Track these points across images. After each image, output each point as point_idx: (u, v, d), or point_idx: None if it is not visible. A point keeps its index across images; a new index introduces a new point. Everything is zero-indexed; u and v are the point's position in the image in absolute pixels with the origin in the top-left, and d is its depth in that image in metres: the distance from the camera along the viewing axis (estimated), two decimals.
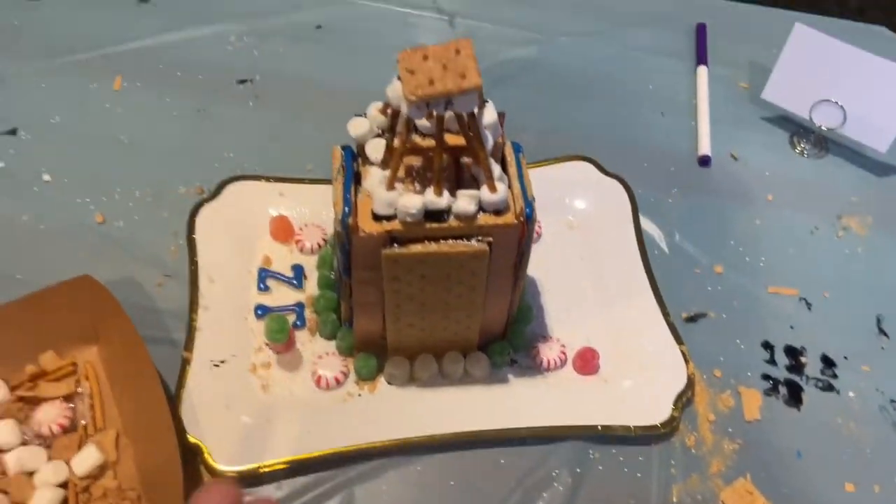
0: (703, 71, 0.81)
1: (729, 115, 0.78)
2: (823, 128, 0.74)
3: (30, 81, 0.74)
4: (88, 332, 0.57)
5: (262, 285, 0.63)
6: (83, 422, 0.54)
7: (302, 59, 0.80)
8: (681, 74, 0.82)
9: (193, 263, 0.62)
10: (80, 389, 0.55)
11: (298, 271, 0.64)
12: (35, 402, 0.54)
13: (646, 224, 0.69)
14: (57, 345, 0.56)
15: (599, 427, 0.57)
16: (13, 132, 0.70)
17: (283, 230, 0.65)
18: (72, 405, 0.55)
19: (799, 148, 0.76)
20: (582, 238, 0.68)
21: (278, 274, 0.64)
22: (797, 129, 0.77)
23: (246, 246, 0.65)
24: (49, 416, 0.53)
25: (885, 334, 0.64)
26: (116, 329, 0.54)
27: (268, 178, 0.68)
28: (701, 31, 0.84)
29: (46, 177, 0.68)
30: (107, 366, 0.56)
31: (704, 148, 0.74)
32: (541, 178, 0.68)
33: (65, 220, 0.65)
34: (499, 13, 0.85)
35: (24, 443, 0.53)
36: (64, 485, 0.51)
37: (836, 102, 0.73)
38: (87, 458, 0.52)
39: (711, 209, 0.71)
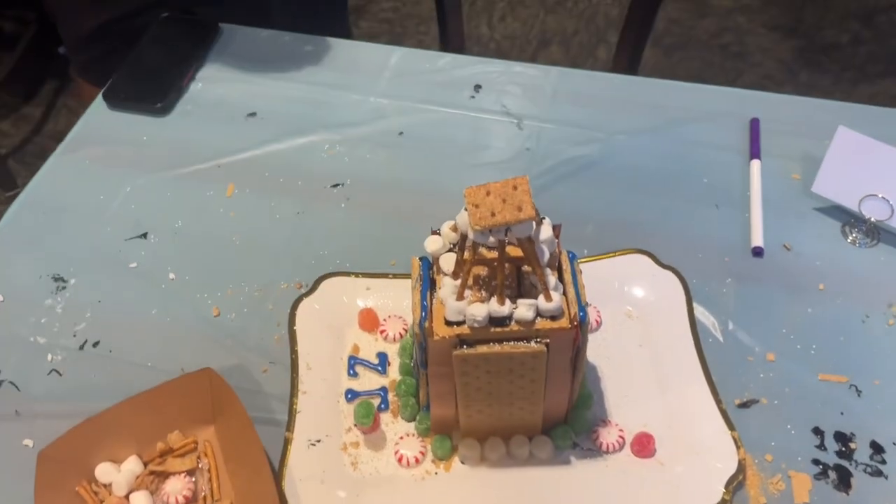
0: (756, 164, 0.86)
1: (782, 206, 0.83)
2: (873, 219, 0.78)
3: (157, 190, 0.87)
4: (207, 415, 0.67)
5: (351, 371, 0.72)
6: (203, 493, 0.64)
7: (387, 163, 0.90)
8: (734, 168, 0.87)
9: (294, 352, 0.71)
10: (200, 465, 0.65)
11: (383, 358, 0.73)
12: (164, 475, 0.64)
13: (700, 313, 0.75)
14: (181, 425, 0.66)
15: None
16: (144, 236, 0.83)
17: (369, 321, 0.74)
18: (193, 479, 0.64)
19: (850, 237, 0.80)
20: (639, 327, 0.74)
21: (365, 361, 0.72)
22: (848, 219, 0.81)
23: (338, 335, 0.74)
24: (175, 488, 0.63)
25: None
26: (231, 412, 0.64)
27: (356, 274, 0.77)
28: (754, 126, 0.90)
29: (171, 275, 0.79)
30: (222, 444, 0.66)
31: (757, 239, 0.80)
32: (600, 271, 0.76)
33: (186, 313, 0.76)
34: (562, 114, 0.94)
35: None
36: None
37: (883, 197, 0.77)
38: None
39: (764, 298, 0.76)
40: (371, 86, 0.98)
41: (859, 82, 2.47)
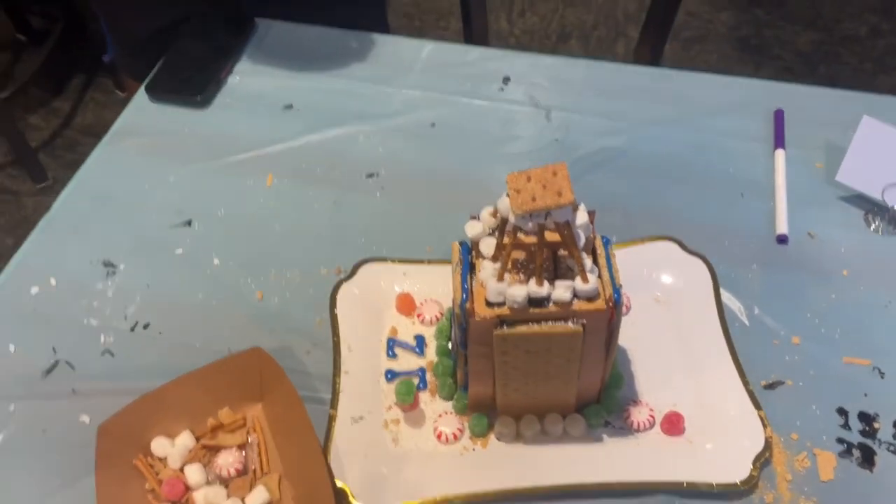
0: (780, 154, 0.88)
1: (806, 195, 0.85)
2: (895, 207, 0.80)
3: (200, 180, 0.90)
4: (256, 393, 0.70)
5: (390, 352, 0.75)
6: (253, 467, 0.67)
7: (419, 153, 0.93)
8: (759, 158, 0.89)
9: (336, 335, 0.75)
10: (249, 440, 0.68)
11: (420, 340, 0.76)
12: (215, 449, 0.68)
13: (727, 299, 0.77)
14: (231, 402, 0.69)
15: (685, 483, 0.65)
16: (189, 223, 0.86)
17: (406, 305, 0.77)
18: (244, 453, 0.68)
19: (873, 225, 0.82)
20: (667, 312, 0.77)
21: (404, 343, 0.75)
22: (871, 207, 0.83)
23: (376, 318, 0.77)
24: (227, 461, 0.66)
25: None
26: (279, 390, 0.67)
27: (393, 260, 0.80)
28: (778, 116, 0.92)
29: (216, 261, 0.83)
30: (270, 420, 0.69)
31: (782, 227, 0.82)
32: (629, 257, 0.78)
33: (231, 297, 0.80)
34: (590, 106, 0.96)
35: (208, 483, 0.66)
36: None
37: None
38: (258, 497, 0.64)
39: (789, 284, 0.78)
40: (403, 78, 1.00)
41: (878, 74, 2.47)
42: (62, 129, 2.25)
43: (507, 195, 0.57)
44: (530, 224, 0.57)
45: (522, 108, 0.97)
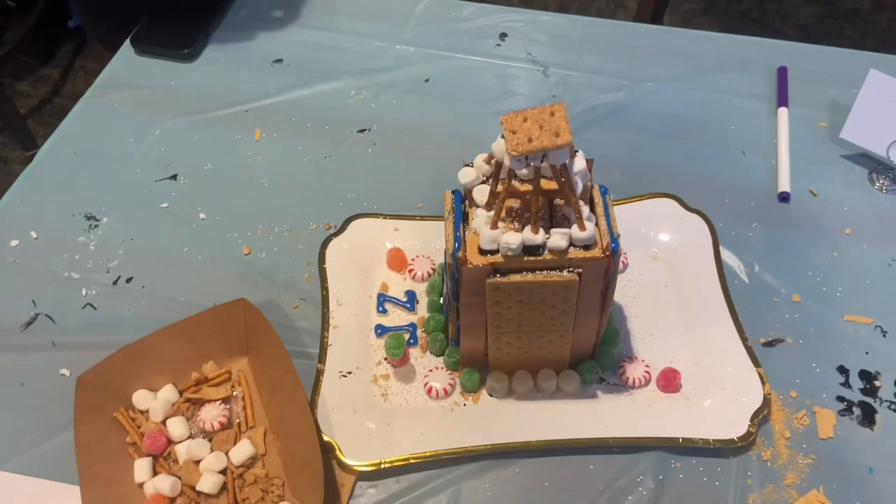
0: (783, 112, 0.86)
1: (809, 153, 0.83)
2: None
3: (186, 134, 0.88)
4: (241, 346, 0.68)
5: (380, 308, 0.73)
6: (237, 420, 0.65)
7: (413, 109, 0.90)
8: (762, 115, 0.87)
9: (324, 289, 0.73)
10: (234, 393, 0.66)
11: (411, 296, 0.74)
12: (199, 403, 0.66)
13: (727, 256, 0.75)
14: (216, 356, 0.67)
15: (681, 439, 0.63)
16: (174, 177, 0.84)
17: (397, 261, 0.75)
18: (228, 406, 0.66)
19: (878, 184, 0.80)
20: (666, 269, 0.75)
21: (394, 298, 0.73)
22: (876, 165, 0.81)
23: (367, 274, 0.75)
24: (211, 415, 0.65)
25: None
26: (265, 343, 0.65)
27: (384, 216, 0.78)
28: (782, 74, 0.90)
29: (202, 215, 0.80)
30: (255, 374, 0.67)
31: (784, 184, 0.80)
32: (627, 214, 0.76)
33: (217, 252, 0.77)
34: (588, 63, 0.94)
35: (191, 436, 0.64)
36: (223, 471, 0.62)
37: None
38: (242, 451, 0.62)
39: (790, 242, 0.76)
40: (397, 33, 0.98)
41: (879, 48, 2.44)
42: (51, 96, 2.21)
43: (503, 137, 0.54)
44: (525, 168, 0.55)
45: (519, 65, 0.94)
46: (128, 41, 0.97)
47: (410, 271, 0.75)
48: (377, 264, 0.76)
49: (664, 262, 0.75)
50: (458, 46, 0.96)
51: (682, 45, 0.95)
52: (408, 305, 0.73)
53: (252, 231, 0.79)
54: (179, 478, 0.62)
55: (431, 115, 0.89)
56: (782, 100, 0.87)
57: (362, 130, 0.88)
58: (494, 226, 0.57)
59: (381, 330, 0.71)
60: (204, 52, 0.96)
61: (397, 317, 0.73)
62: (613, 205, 0.77)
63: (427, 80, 0.93)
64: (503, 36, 0.97)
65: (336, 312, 0.71)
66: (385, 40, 0.97)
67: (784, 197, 0.79)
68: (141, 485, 0.62)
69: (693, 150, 0.85)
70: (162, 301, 0.73)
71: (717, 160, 0.84)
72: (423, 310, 0.73)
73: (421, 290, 0.74)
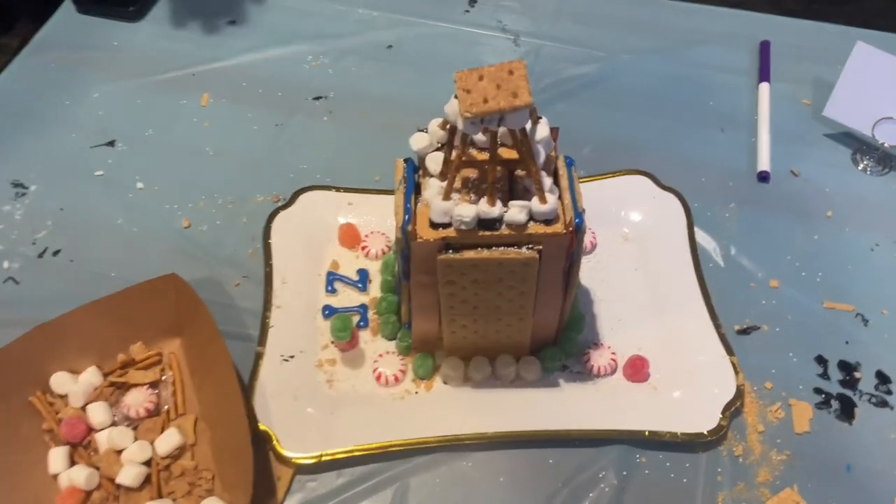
0: (764, 87, 0.81)
1: (791, 131, 0.79)
2: (886, 145, 0.73)
3: (127, 98, 0.81)
4: (173, 326, 0.62)
5: (329, 287, 0.67)
6: (166, 407, 0.60)
7: (373, 77, 0.84)
8: (742, 91, 0.82)
9: (268, 266, 0.67)
10: (164, 377, 0.61)
11: (363, 275, 0.68)
12: (125, 387, 0.60)
13: (702, 238, 0.70)
14: (145, 336, 0.62)
15: (646, 432, 0.58)
16: (111, 143, 0.77)
17: (350, 237, 0.70)
18: (156, 391, 0.60)
19: (862, 164, 0.76)
20: (636, 250, 0.70)
21: (345, 277, 0.68)
22: (860, 145, 0.77)
23: (316, 251, 0.70)
24: (137, 400, 0.59)
25: None
26: (198, 323, 0.60)
27: (338, 189, 0.72)
28: (764, 48, 0.85)
29: (140, 184, 0.74)
30: (188, 357, 0.62)
31: (763, 163, 0.75)
32: (597, 192, 0.71)
33: (155, 224, 0.71)
34: (562, 32, 0.88)
35: (114, 423, 0.59)
36: (147, 463, 0.56)
37: None
38: (168, 440, 0.57)
39: (769, 224, 0.72)
40: None
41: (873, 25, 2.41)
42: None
43: (456, 97, 0.49)
44: (483, 128, 0.49)
45: (489, 33, 0.89)
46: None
47: (363, 248, 0.70)
48: (328, 240, 0.70)
49: (635, 243, 0.70)
50: (425, 12, 0.90)
51: (662, 17, 0.90)
52: (359, 285, 0.68)
53: (193, 203, 0.73)
54: (98, 469, 0.56)
55: (393, 84, 0.84)
56: (764, 75, 0.83)
57: (318, 98, 0.82)
58: (447, 197, 0.52)
59: (329, 311, 0.66)
60: (152, 12, 0.90)
61: (347, 297, 0.67)
62: (582, 181, 0.73)
63: (390, 47, 0.87)
64: (472, 2, 0.92)
65: (280, 291, 0.65)
66: (346, 3, 0.91)
67: (763, 176, 0.75)
68: (56, 476, 0.56)
69: (669, 127, 0.80)
70: (91, 276, 0.67)
71: (695, 137, 0.79)
72: (375, 290, 0.68)
73: (374, 268, 0.69)
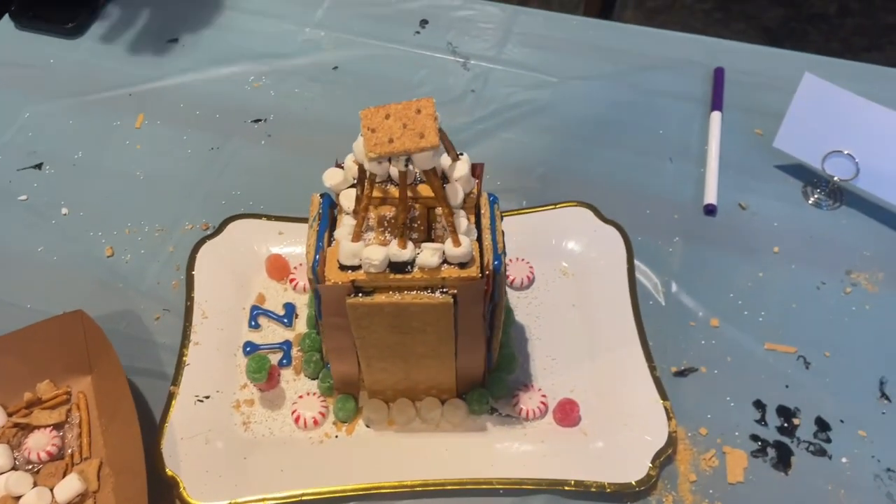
0: (716, 116, 0.79)
1: (740, 162, 0.76)
2: (836, 179, 0.71)
3: (59, 118, 0.79)
4: (83, 363, 0.59)
5: (252, 323, 0.65)
6: (70, 450, 0.57)
7: (316, 99, 0.82)
8: (694, 120, 0.80)
9: (189, 299, 0.64)
10: (70, 419, 0.58)
11: (290, 310, 0.66)
12: (28, 428, 0.57)
13: (643, 273, 0.68)
14: (53, 374, 0.59)
15: (572, 482, 0.56)
16: (38, 167, 0.75)
17: (277, 268, 0.67)
18: (60, 433, 0.57)
19: (813, 198, 0.73)
20: (575, 285, 0.68)
21: (269, 312, 0.65)
22: (811, 178, 0.74)
23: (242, 283, 0.67)
24: (39, 443, 0.56)
25: (888, 398, 0.61)
26: (107, 362, 0.57)
27: (268, 217, 0.70)
28: (718, 75, 0.83)
29: (64, 210, 0.72)
30: (98, 396, 0.59)
31: (710, 196, 0.73)
32: (536, 223, 0.69)
33: (76, 252, 0.69)
34: (513, 56, 0.86)
35: (14, 467, 0.56)
36: None
37: (849, 154, 0.71)
38: (69, 487, 0.54)
39: (713, 260, 0.70)
40: (307, 15, 0.89)
41: (844, 54, 2.40)
42: None
43: (362, 135, 0.47)
44: (392, 171, 0.47)
45: (439, 55, 0.86)
46: (7, 15, 0.87)
47: (292, 280, 0.67)
48: (255, 272, 0.68)
49: (574, 278, 0.68)
50: (375, 32, 0.88)
51: (616, 41, 0.88)
52: (284, 320, 0.65)
53: (119, 230, 0.70)
54: None
55: (336, 107, 0.81)
56: (717, 103, 0.80)
57: (257, 121, 0.79)
58: (357, 238, 0.49)
59: (250, 348, 0.63)
60: (91, 28, 0.87)
61: (272, 333, 0.65)
62: (522, 212, 0.71)
63: (335, 68, 0.85)
64: (424, 23, 0.89)
65: (200, 327, 0.63)
66: (294, 22, 0.89)
67: (710, 210, 0.72)
68: None
69: (617, 157, 0.77)
70: (4, 307, 0.65)
71: (643, 167, 0.76)
72: (302, 325, 0.65)
73: (302, 302, 0.66)
